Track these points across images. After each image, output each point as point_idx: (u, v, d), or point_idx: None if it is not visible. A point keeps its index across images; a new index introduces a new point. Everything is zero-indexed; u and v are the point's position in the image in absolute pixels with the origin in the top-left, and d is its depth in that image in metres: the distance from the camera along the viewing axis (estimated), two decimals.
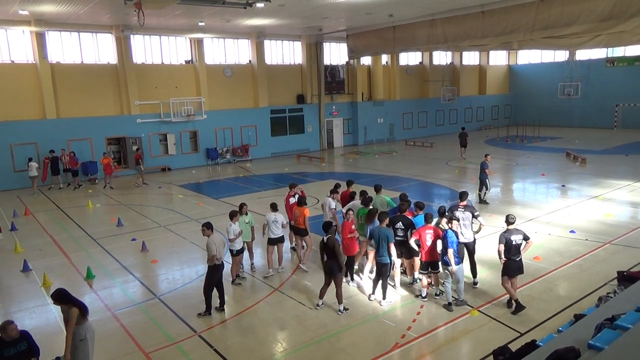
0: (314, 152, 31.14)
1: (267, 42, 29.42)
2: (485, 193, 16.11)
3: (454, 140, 34.17)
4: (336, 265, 8.46)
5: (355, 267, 10.10)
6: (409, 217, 9.58)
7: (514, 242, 8.21)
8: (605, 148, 28.07)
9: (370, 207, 10.08)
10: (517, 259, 8.27)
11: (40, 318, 8.92)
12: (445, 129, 39.58)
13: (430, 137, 36.14)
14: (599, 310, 6.32)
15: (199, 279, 10.18)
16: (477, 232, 9.71)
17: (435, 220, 9.09)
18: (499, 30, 20.16)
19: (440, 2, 20.16)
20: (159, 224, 15.15)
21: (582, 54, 37.95)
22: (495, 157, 26.12)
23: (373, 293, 9.06)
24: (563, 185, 18.69)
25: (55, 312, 8.79)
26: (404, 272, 9.91)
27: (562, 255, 11.02)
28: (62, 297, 6.31)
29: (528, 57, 43.62)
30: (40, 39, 22.04)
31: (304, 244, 10.85)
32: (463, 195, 9.93)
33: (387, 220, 8.90)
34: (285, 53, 31.12)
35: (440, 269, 8.72)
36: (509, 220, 8.43)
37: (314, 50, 31.02)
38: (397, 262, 9.33)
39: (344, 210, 10.25)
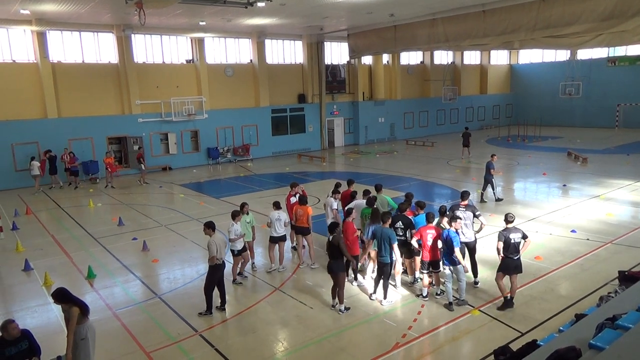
0: (315, 152, 31.14)
1: (268, 42, 29.41)
2: (494, 192, 16.32)
3: (455, 139, 34.21)
4: (338, 264, 8.48)
5: (360, 264, 10.08)
6: (409, 216, 9.57)
7: (512, 241, 8.23)
8: (607, 147, 28.04)
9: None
10: (515, 258, 8.29)
11: (42, 317, 8.94)
12: (446, 128, 39.56)
13: (431, 137, 36.12)
14: (600, 310, 6.32)
15: (199, 278, 10.18)
16: (478, 231, 9.72)
17: (436, 220, 9.10)
18: (500, 30, 20.14)
19: (441, 1, 20.14)
20: (160, 223, 15.16)
21: (584, 54, 37.89)
22: (495, 157, 26.08)
23: (374, 293, 9.06)
24: (564, 185, 18.67)
25: (56, 311, 8.80)
26: (404, 272, 9.91)
27: (563, 254, 11.02)
28: (62, 296, 6.32)
29: (529, 56, 43.55)
30: (42, 39, 22.06)
31: (305, 243, 10.87)
32: (464, 195, 9.94)
33: (389, 221, 8.90)
34: (286, 52, 31.11)
35: (441, 268, 8.72)
36: (508, 219, 8.44)
37: (315, 50, 31.01)
38: (399, 262, 9.33)
39: (345, 210, 10.26)
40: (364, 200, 10.50)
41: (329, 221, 10.59)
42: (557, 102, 39.87)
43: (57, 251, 12.71)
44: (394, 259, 8.74)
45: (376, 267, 9.20)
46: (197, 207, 17.14)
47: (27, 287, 10.40)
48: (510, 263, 8.30)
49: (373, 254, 9.48)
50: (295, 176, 22.23)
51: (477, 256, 9.65)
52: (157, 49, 26.07)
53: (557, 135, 34.74)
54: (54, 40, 22.95)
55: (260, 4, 17.91)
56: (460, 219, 8.91)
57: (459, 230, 8.80)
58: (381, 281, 8.86)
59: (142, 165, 21.99)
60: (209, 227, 8.71)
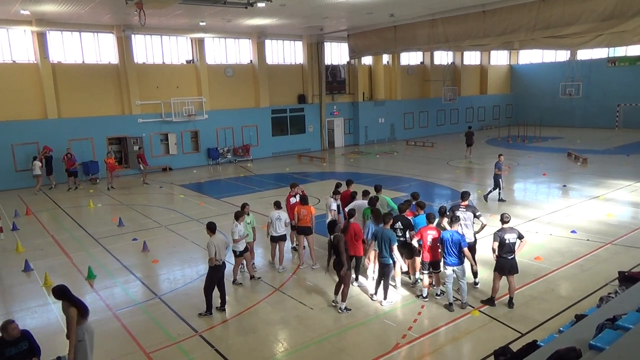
0: (315, 152, 31.14)
1: (268, 42, 29.42)
2: (499, 192, 16.37)
3: (455, 140, 34.26)
4: (339, 262, 8.55)
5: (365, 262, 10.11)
6: (409, 217, 9.57)
7: (507, 241, 8.26)
8: (607, 148, 28.04)
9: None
10: (509, 258, 8.32)
11: (42, 318, 8.93)
12: (446, 129, 39.57)
13: (431, 137, 36.12)
14: (600, 311, 6.31)
15: (199, 278, 10.18)
16: (479, 231, 9.72)
17: (436, 221, 9.11)
18: (500, 30, 20.14)
19: (441, 1, 20.15)
20: (160, 223, 15.16)
21: (584, 54, 37.89)
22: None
23: (375, 293, 9.06)
24: (564, 185, 18.67)
25: (56, 311, 8.80)
26: (405, 272, 9.91)
27: (563, 255, 11.02)
28: (61, 293, 6.33)
29: (529, 56, 43.56)
30: (42, 39, 22.06)
31: (306, 243, 10.87)
32: (464, 195, 9.94)
33: (390, 222, 8.90)
34: (286, 53, 31.12)
35: (442, 268, 8.71)
36: (504, 219, 8.46)
37: (315, 50, 31.01)
38: (400, 262, 9.33)
39: (345, 210, 10.27)
40: (364, 201, 10.51)
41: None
42: (557, 103, 39.87)
43: (57, 252, 12.71)
44: (396, 260, 8.76)
45: (377, 267, 9.21)
46: (197, 208, 17.14)
47: (27, 287, 10.40)
48: (504, 263, 8.33)
49: (373, 254, 9.49)
50: (295, 177, 22.23)
51: (477, 256, 9.62)
52: (157, 49, 26.07)
53: (557, 136, 34.74)
54: (54, 40, 22.95)
55: (260, 5, 17.92)
56: (460, 219, 8.91)
57: (458, 231, 8.80)
58: (382, 282, 8.86)
59: (141, 165, 22.03)
60: (209, 228, 8.75)
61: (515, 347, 6.68)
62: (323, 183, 20.63)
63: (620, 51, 37.07)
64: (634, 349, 4.45)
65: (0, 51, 21.86)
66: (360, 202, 10.56)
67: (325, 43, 31.38)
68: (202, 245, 11.90)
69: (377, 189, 11.03)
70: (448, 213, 9.41)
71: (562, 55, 39.28)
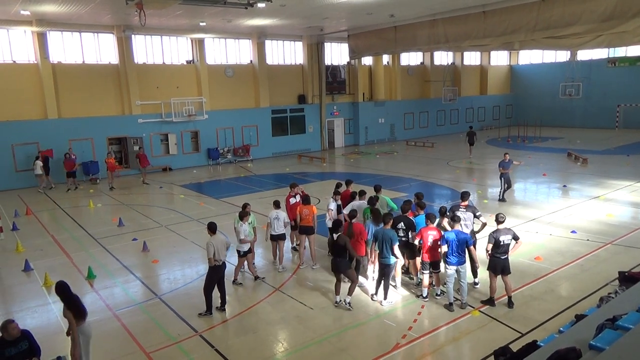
0: (315, 152, 31.14)
1: (268, 42, 29.43)
2: (503, 192, 16.43)
3: (455, 140, 34.31)
4: (344, 262, 8.60)
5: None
6: (410, 217, 9.57)
7: (502, 242, 8.30)
8: (607, 148, 28.04)
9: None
10: (503, 258, 8.36)
11: (42, 318, 8.94)
12: (446, 129, 39.57)
13: (432, 137, 36.13)
14: (600, 311, 6.31)
15: (199, 278, 10.18)
16: (479, 231, 9.72)
17: (437, 221, 9.11)
18: (500, 31, 20.13)
19: (441, 2, 20.15)
20: (160, 224, 15.16)
21: (584, 54, 37.85)
22: (496, 157, 26.10)
23: (376, 294, 9.06)
24: (564, 186, 18.67)
25: (56, 311, 8.80)
26: (405, 272, 9.91)
27: (563, 255, 11.01)
28: (60, 291, 6.35)
29: (529, 57, 43.58)
30: (42, 39, 22.07)
31: (307, 243, 10.88)
32: (464, 196, 9.94)
33: (391, 222, 8.91)
34: (287, 53, 31.13)
35: (444, 268, 8.71)
36: (499, 220, 8.48)
37: (315, 51, 31.02)
38: (400, 262, 9.35)
39: (345, 212, 10.29)
40: (362, 201, 10.51)
41: (330, 222, 10.68)
42: (557, 103, 39.86)
43: (57, 252, 12.71)
44: (395, 260, 8.77)
45: (377, 268, 9.21)
46: (197, 208, 17.14)
47: (27, 287, 10.40)
48: (497, 262, 8.39)
49: (374, 255, 9.49)
50: (295, 177, 22.23)
51: (477, 258, 9.63)
52: (157, 49, 26.08)
53: (557, 136, 34.74)
54: (54, 40, 22.96)
55: (260, 5, 17.92)
56: (460, 219, 8.92)
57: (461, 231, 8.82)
58: (382, 282, 8.87)
59: (139, 165, 22.06)
60: (209, 228, 8.76)
61: (515, 347, 6.68)
62: (323, 183, 20.63)
63: (620, 51, 37.08)
64: (634, 349, 4.45)
65: (0, 51, 21.87)
66: (358, 203, 10.53)
67: (325, 43, 31.39)
68: (202, 245, 11.88)
69: (377, 189, 11.02)
70: (448, 213, 9.41)
71: (562, 56, 39.27)
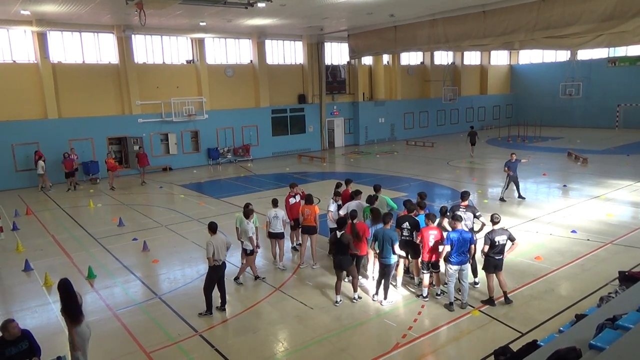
0: (315, 152, 31.14)
1: (268, 42, 29.43)
2: (503, 191, 16.51)
3: (455, 140, 34.29)
4: (347, 260, 8.69)
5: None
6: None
7: (497, 243, 8.34)
8: (607, 148, 28.04)
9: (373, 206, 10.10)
10: (497, 258, 8.42)
11: (42, 317, 8.94)
12: (446, 129, 39.56)
13: (432, 137, 36.12)
14: (600, 311, 6.31)
15: (199, 278, 10.18)
16: (478, 231, 9.72)
17: (437, 221, 9.11)
18: (500, 30, 20.13)
19: (441, 2, 20.14)
20: (160, 223, 15.16)
21: (584, 54, 37.87)
22: (496, 157, 26.14)
23: (377, 294, 9.06)
24: (564, 185, 18.68)
25: (56, 311, 8.79)
26: (405, 272, 9.90)
27: (563, 255, 11.01)
28: (63, 289, 6.34)
29: (529, 57, 43.56)
30: (42, 39, 22.07)
31: (308, 243, 10.88)
32: (464, 195, 9.94)
33: (391, 222, 8.90)
34: (287, 53, 31.12)
35: (447, 267, 8.71)
36: (494, 220, 8.51)
37: (315, 50, 31.02)
38: (401, 262, 9.36)
39: (341, 212, 10.30)
40: (359, 201, 10.49)
41: (331, 224, 10.73)
42: (557, 103, 39.86)
43: (57, 251, 12.71)
44: (396, 260, 8.78)
45: (377, 268, 9.21)
46: (197, 208, 17.14)
47: (27, 287, 10.40)
48: (491, 262, 8.45)
49: (373, 254, 9.50)
50: (295, 176, 22.23)
51: (476, 257, 9.63)
52: (157, 49, 26.07)
53: (557, 136, 34.73)
54: (54, 40, 22.95)
55: (260, 5, 17.91)
56: (462, 219, 8.93)
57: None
58: (383, 282, 8.87)
59: (138, 165, 22.08)
60: (210, 227, 8.75)
61: (515, 347, 6.69)
62: (323, 183, 20.63)
63: (620, 51, 37.06)
64: (634, 349, 4.45)
65: (0, 51, 21.87)
66: (355, 203, 10.47)
67: (325, 43, 31.39)
68: (203, 245, 11.87)
69: (376, 188, 11.00)
70: (448, 213, 9.42)
71: (562, 55, 39.28)
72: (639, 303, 5.85)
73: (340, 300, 8.89)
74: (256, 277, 10.26)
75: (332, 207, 10.94)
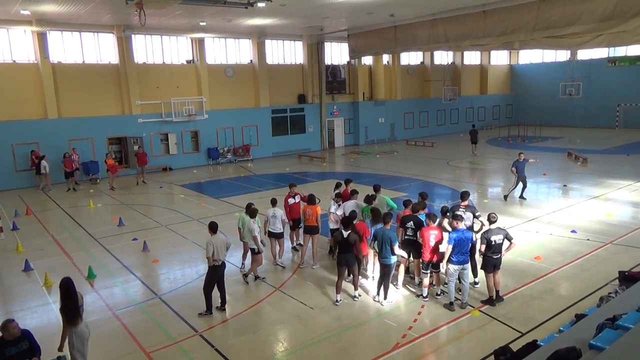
0: (315, 152, 31.13)
1: (268, 42, 29.42)
2: (510, 190, 16.57)
3: (455, 140, 34.30)
4: (351, 257, 8.74)
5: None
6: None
7: (494, 242, 8.36)
8: (607, 148, 28.03)
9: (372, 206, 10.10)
10: (495, 257, 8.43)
11: (42, 317, 8.94)
12: (446, 129, 39.56)
13: (432, 137, 36.11)
14: (600, 310, 6.31)
15: (199, 278, 10.17)
16: (478, 231, 9.72)
17: (437, 221, 9.11)
18: (500, 30, 20.14)
19: (441, 2, 20.14)
20: (160, 223, 15.16)
21: (584, 54, 37.87)
22: (496, 157, 26.15)
23: (377, 294, 9.06)
24: (564, 185, 18.68)
25: (56, 311, 8.78)
26: (406, 272, 9.90)
27: (563, 255, 11.01)
28: (63, 288, 6.33)
29: (529, 56, 43.54)
30: (42, 39, 22.06)
31: (310, 242, 10.88)
32: (464, 195, 9.95)
33: (391, 222, 8.91)
34: (287, 53, 31.12)
35: (447, 267, 8.72)
36: (491, 219, 8.51)
37: (315, 50, 31.01)
38: (401, 261, 9.37)
39: (339, 212, 10.30)
40: (355, 201, 10.49)
41: (332, 225, 10.74)
42: (557, 103, 39.85)
43: (57, 251, 12.71)
44: (396, 260, 8.78)
45: (377, 268, 9.21)
46: (197, 208, 17.14)
47: (27, 287, 10.40)
48: (489, 261, 8.46)
49: (372, 254, 9.50)
50: (295, 176, 22.22)
51: (476, 257, 9.63)
52: (157, 49, 26.07)
53: (557, 136, 34.73)
54: (54, 40, 22.95)
55: (260, 5, 17.92)
56: (463, 219, 8.93)
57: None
58: (383, 282, 8.87)
59: (137, 164, 22.11)
60: (210, 227, 8.75)
61: (515, 347, 6.69)
62: (323, 183, 20.62)
63: (620, 51, 37.05)
64: (634, 348, 4.45)
65: (0, 51, 21.87)
66: (351, 203, 10.46)
67: (325, 43, 31.38)
68: (203, 245, 11.88)
69: (376, 188, 11.00)
70: (449, 214, 9.41)
71: (562, 55, 39.27)
72: (639, 303, 5.85)
73: (341, 300, 8.90)
74: (256, 277, 10.27)
75: (334, 208, 10.95)
